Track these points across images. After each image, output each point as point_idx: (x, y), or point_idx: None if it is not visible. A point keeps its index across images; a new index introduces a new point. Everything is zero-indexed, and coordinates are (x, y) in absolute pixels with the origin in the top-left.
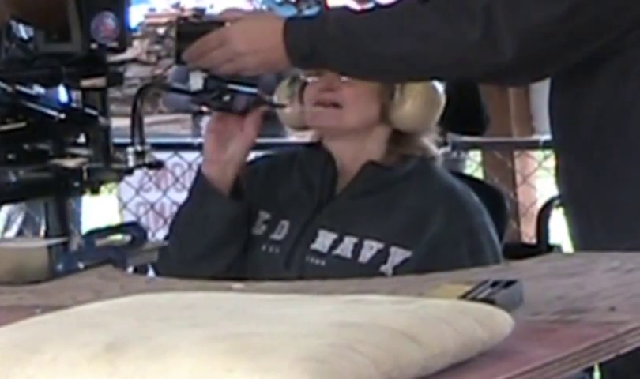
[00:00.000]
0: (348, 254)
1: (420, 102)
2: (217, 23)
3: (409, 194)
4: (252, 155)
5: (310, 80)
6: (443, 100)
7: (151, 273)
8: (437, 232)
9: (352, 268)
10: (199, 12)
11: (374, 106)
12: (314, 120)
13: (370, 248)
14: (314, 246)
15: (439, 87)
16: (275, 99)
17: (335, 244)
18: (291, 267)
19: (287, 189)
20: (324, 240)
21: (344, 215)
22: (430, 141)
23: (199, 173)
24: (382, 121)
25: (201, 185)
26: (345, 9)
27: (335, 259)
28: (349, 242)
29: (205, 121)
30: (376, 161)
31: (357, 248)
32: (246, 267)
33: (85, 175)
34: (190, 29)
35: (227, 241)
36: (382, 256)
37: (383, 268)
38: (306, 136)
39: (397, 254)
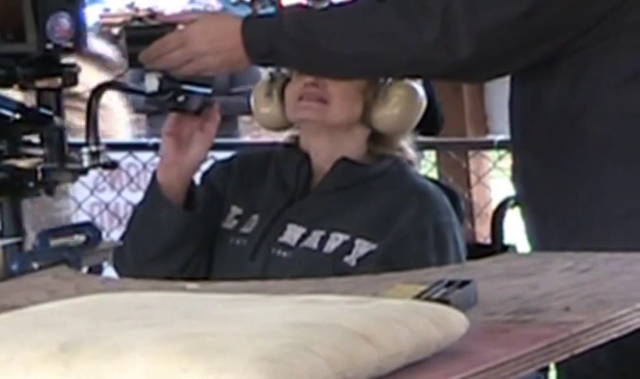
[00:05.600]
0: (315, 246)
1: (402, 104)
2: (169, 25)
3: (380, 191)
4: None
5: (294, 77)
6: (424, 104)
7: (106, 273)
8: (404, 226)
9: (317, 258)
10: (153, 13)
11: (358, 105)
12: (299, 113)
13: (336, 239)
14: (281, 239)
15: (420, 90)
16: (251, 99)
17: (303, 237)
18: (256, 259)
19: (261, 186)
20: (292, 233)
21: (313, 209)
22: (408, 144)
23: (154, 176)
24: (363, 121)
25: (154, 191)
26: (300, 6)
27: (301, 250)
28: (317, 234)
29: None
30: (350, 158)
31: (323, 240)
32: (214, 260)
33: (40, 175)
34: (140, 33)
35: (180, 244)
36: (346, 247)
37: (347, 258)
38: (264, 137)
39: (362, 246)
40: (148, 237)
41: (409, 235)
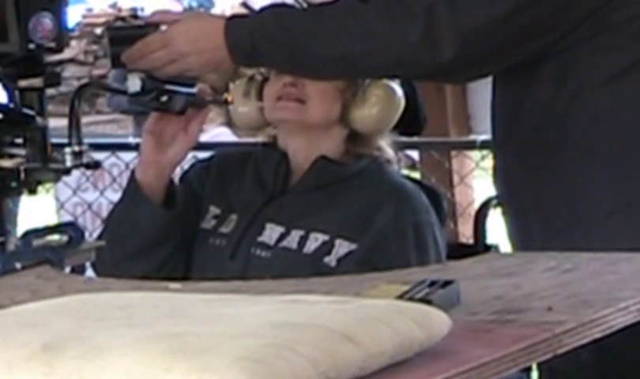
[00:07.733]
0: (294, 246)
1: (381, 104)
2: (152, 25)
3: (359, 190)
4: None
5: (272, 77)
6: (402, 103)
7: (89, 273)
8: (383, 226)
9: (296, 259)
10: (135, 12)
11: (336, 105)
12: (277, 113)
13: (316, 240)
14: (260, 239)
15: (399, 90)
16: (228, 99)
17: (282, 237)
18: (236, 258)
19: (239, 185)
20: (271, 233)
21: (292, 208)
22: (386, 143)
23: (133, 174)
24: (341, 121)
25: (133, 189)
26: (283, 6)
27: (281, 251)
28: (296, 234)
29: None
30: (328, 156)
31: (303, 240)
32: (193, 260)
33: (23, 175)
34: (123, 33)
35: (158, 244)
36: (326, 247)
37: (327, 259)
38: (243, 137)
39: (342, 246)
40: (127, 234)
41: (389, 235)
